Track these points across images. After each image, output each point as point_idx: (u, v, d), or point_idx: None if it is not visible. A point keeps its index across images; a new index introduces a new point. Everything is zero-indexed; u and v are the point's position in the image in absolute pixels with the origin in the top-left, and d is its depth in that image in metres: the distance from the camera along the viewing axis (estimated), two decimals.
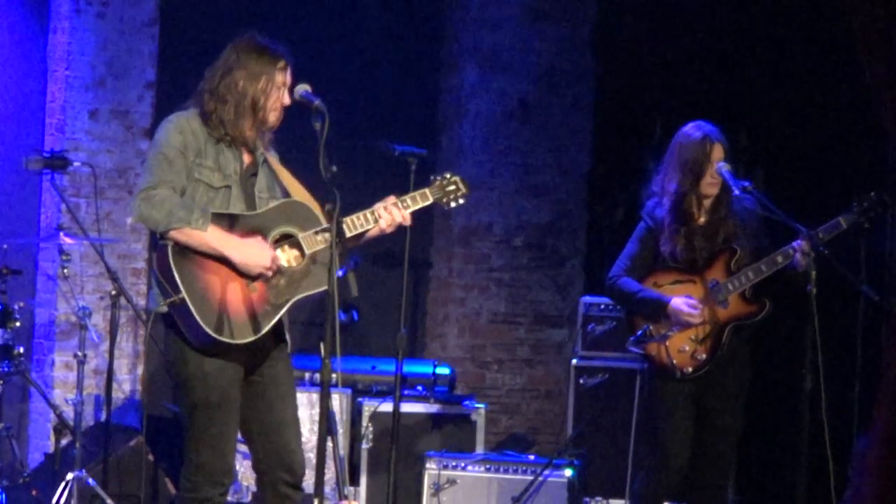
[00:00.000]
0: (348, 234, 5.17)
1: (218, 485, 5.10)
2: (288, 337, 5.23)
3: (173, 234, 4.97)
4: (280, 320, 5.12)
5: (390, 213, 5.25)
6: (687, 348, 6.19)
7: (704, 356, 6.20)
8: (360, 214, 5.23)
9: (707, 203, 6.25)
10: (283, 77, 5.16)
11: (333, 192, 4.87)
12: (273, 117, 5.18)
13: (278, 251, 5.10)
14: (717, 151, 6.18)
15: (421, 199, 5.39)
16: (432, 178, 5.47)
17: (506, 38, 8.92)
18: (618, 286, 6.30)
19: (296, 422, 5.20)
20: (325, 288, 4.93)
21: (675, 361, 6.18)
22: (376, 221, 5.24)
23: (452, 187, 5.46)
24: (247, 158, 5.21)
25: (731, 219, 6.24)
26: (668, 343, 6.20)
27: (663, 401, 6.25)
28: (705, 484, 6.31)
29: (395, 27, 8.83)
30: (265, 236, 5.09)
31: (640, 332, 6.26)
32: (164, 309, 5.02)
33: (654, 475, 6.29)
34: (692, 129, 6.25)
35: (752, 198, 6.19)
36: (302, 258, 5.12)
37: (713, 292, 6.18)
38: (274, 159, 5.30)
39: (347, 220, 5.19)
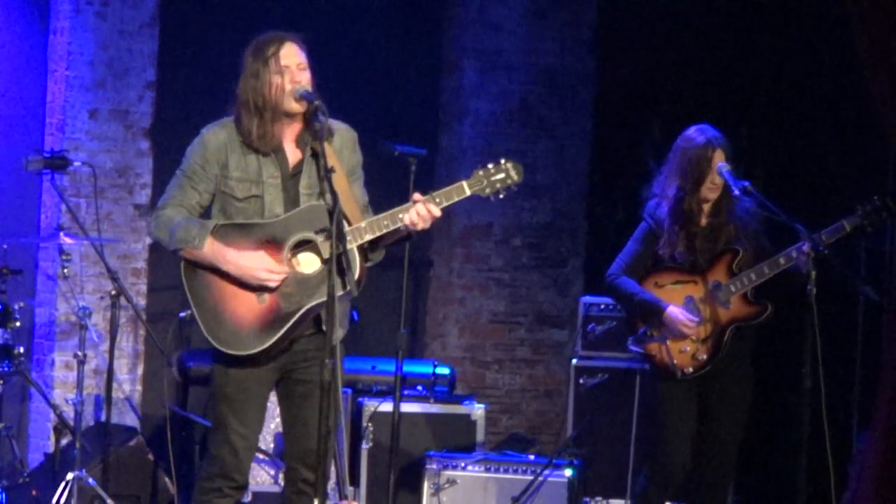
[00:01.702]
0: (373, 235, 5.00)
1: (228, 479, 5.11)
2: (332, 330, 4.93)
3: (180, 253, 5.05)
4: (318, 317, 5.04)
5: (428, 211, 4.99)
6: (688, 348, 6.19)
7: (705, 357, 6.20)
8: (387, 214, 5.04)
9: (707, 207, 6.25)
10: (276, 63, 5.00)
11: (334, 192, 4.87)
12: (288, 103, 5.01)
13: (304, 255, 5.02)
14: (719, 157, 6.17)
15: (457, 193, 5.08)
16: (478, 167, 5.13)
17: (506, 38, 8.92)
18: (616, 285, 6.29)
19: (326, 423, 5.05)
20: (341, 293, 4.87)
21: (675, 361, 6.18)
22: (402, 220, 5.01)
23: (501, 175, 5.09)
24: (295, 157, 5.10)
25: (732, 222, 6.24)
26: (668, 343, 6.19)
27: (665, 401, 6.24)
28: (707, 484, 6.31)
29: (395, 27, 8.83)
30: (283, 243, 5.01)
31: (640, 332, 6.26)
32: (185, 315, 5.09)
33: (656, 476, 6.29)
34: (695, 133, 6.23)
35: (753, 198, 6.19)
36: (321, 263, 5.02)
37: (715, 293, 6.18)
38: (329, 148, 5.01)
39: (372, 221, 5.03)
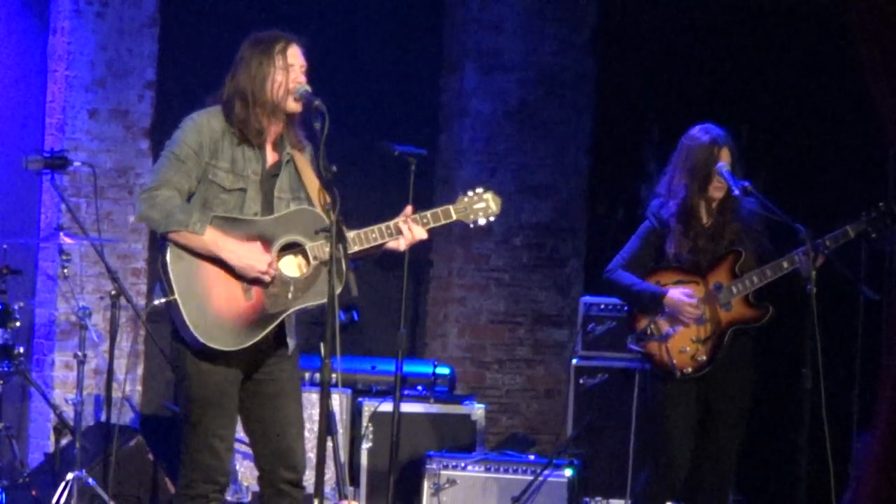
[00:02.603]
0: (360, 247, 5.08)
1: (212, 483, 5.08)
2: (290, 340, 5.16)
3: (172, 236, 4.98)
4: (281, 324, 5.09)
5: (412, 232, 5.13)
6: (688, 349, 6.19)
7: (705, 358, 6.19)
8: (375, 228, 5.12)
9: (713, 206, 6.25)
10: (282, 60, 5.04)
11: (333, 192, 4.87)
12: (286, 102, 5.05)
13: (284, 259, 5.05)
14: (725, 156, 6.16)
15: (443, 216, 5.22)
16: (461, 193, 5.29)
17: (506, 39, 8.92)
18: (613, 279, 6.29)
19: (299, 421, 5.16)
20: (324, 301, 4.87)
21: (675, 361, 6.18)
22: (391, 235, 5.12)
23: (482, 205, 5.25)
24: (272, 158, 5.13)
25: (735, 222, 6.24)
26: (668, 343, 6.20)
27: (666, 401, 6.24)
28: (707, 485, 6.31)
29: (395, 27, 8.83)
30: (271, 243, 5.02)
31: (640, 331, 6.26)
32: (159, 303, 5.02)
33: (656, 475, 6.29)
34: (700, 133, 6.22)
35: (753, 198, 6.19)
36: (308, 268, 5.05)
37: (716, 294, 6.18)
38: (303, 158, 5.17)
39: (361, 232, 5.10)
